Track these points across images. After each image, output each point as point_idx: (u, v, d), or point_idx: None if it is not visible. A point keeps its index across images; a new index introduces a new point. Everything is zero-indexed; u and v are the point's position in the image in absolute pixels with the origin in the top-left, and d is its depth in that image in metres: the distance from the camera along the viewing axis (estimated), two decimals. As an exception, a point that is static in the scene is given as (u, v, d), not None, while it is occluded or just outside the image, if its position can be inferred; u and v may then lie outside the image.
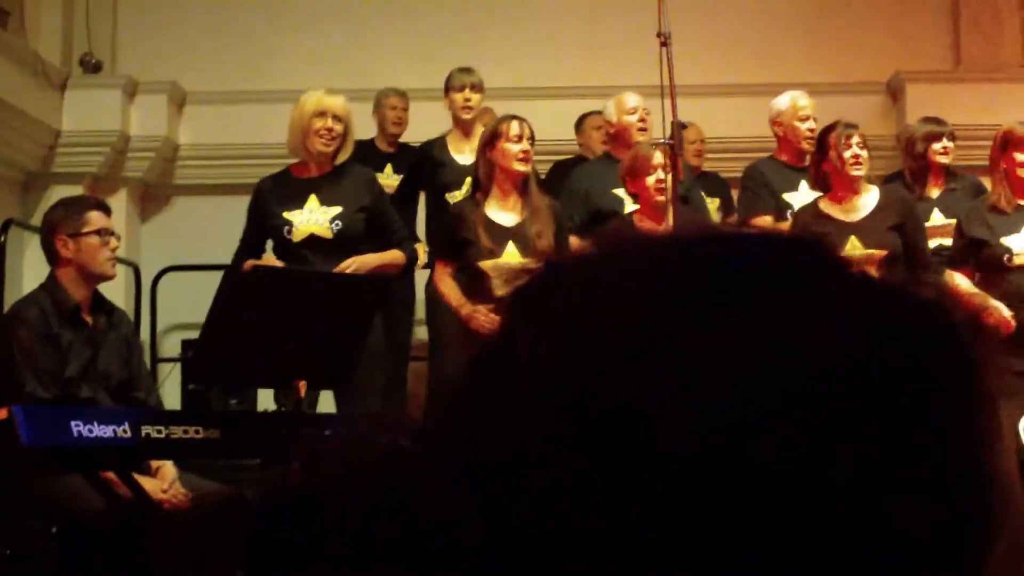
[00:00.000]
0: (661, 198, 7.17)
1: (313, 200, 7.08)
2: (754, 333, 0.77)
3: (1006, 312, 6.90)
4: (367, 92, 8.99)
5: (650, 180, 7.24)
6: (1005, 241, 7.10)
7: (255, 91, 10.12)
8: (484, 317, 6.82)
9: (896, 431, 0.77)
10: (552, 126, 9.10)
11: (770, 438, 0.75)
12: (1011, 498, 0.81)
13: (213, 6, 10.56)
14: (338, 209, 7.08)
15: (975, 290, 7.01)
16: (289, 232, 7.03)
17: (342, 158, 7.25)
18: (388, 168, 8.53)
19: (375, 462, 0.84)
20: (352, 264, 6.94)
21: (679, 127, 7.01)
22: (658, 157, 7.19)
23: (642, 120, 8.07)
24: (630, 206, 7.65)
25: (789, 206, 7.81)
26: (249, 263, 6.89)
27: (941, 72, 10.49)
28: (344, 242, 7.05)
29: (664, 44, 6.84)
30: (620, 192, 7.75)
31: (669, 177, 7.06)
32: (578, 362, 0.79)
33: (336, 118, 7.10)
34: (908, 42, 10.56)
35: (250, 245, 7.17)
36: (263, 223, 7.13)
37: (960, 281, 7.12)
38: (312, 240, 7.03)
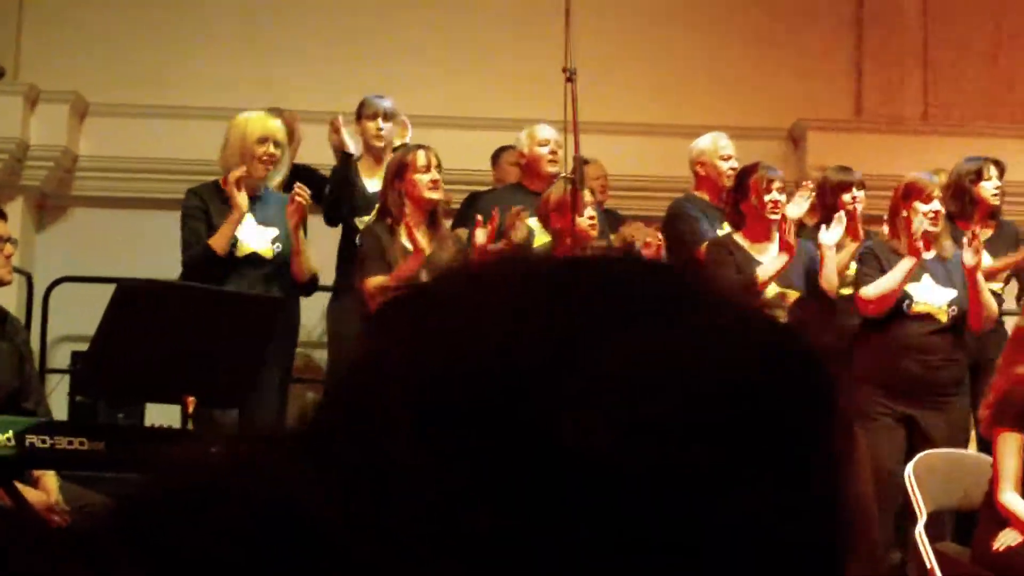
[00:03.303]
0: (595, 233, 7.23)
1: (249, 218, 7.10)
2: (625, 353, 0.79)
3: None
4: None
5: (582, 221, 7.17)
6: (906, 288, 7.19)
7: (157, 105, 10.04)
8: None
9: (749, 446, 0.79)
10: (458, 156, 9.10)
11: (638, 443, 0.76)
12: (861, 519, 0.83)
13: (119, 19, 10.45)
14: (275, 231, 7.16)
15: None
16: (232, 246, 7.03)
17: (279, 180, 7.30)
18: None
19: (228, 466, 0.84)
20: (306, 196, 7.05)
21: (581, 162, 7.04)
22: (588, 196, 7.27)
23: (553, 152, 8.06)
24: (540, 235, 7.66)
25: None
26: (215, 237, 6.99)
27: (842, 121, 10.62)
28: (280, 264, 7.14)
29: (569, 80, 6.86)
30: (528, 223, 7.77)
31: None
32: (452, 367, 0.79)
33: (276, 143, 7.14)
34: (811, 90, 10.67)
35: (201, 245, 7.15)
36: (211, 224, 7.14)
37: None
38: (253, 258, 7.08)
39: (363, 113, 8.29)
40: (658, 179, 9.08)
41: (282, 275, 7.18)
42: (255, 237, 7.14)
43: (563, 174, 7.31)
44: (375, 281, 6.96)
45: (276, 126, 7.22)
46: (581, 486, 0.76)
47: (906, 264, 7.06)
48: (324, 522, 0.77)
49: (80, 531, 0.84)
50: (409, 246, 7.00)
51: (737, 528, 0.78)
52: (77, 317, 8.82)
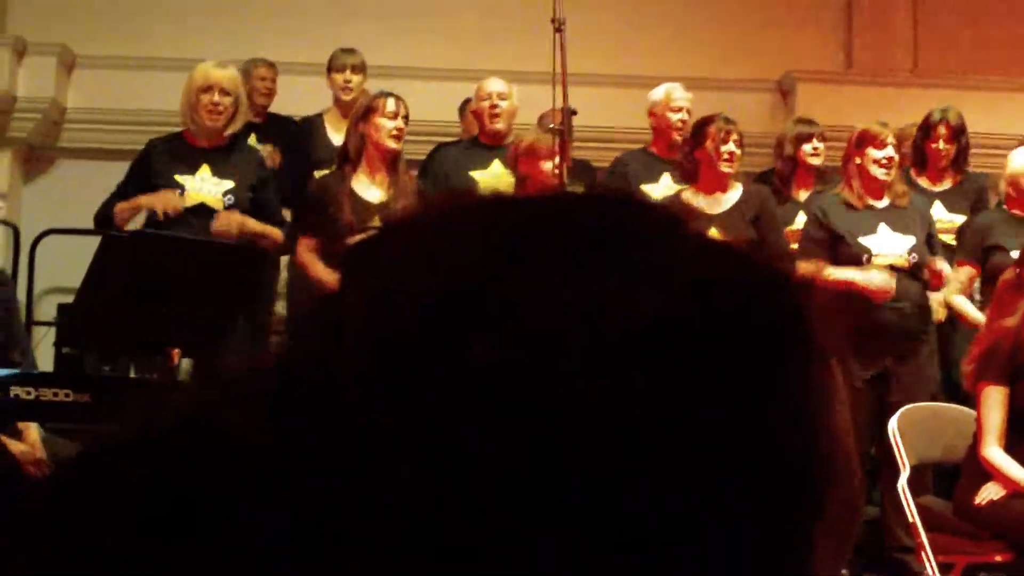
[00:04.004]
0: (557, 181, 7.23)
1: (206, 169, 7.15)
2: (584, 286, 0.77)
3: (882, 279, 6.98)
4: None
5: (547, 165, 7.23)
6: (863, 241, 7.16)
7: (145, 57, 10.02)
8: None
9: (721, 380, 0.76)
10: (441, 109, 9.11)
11: (596, 387, 0.74)
12: (842, 457, 0.81)
13: (107, -30, 10.42)
14: (230, 184, 7.16)
15: (848, 271, 7.04)
16: (180, 195, 7.03)
17: (233, 128, 7.27)
18: (252, 137, 8.47)
19: (175, 416, 0.83)
20: (236, 220, 6.99)
21: (569, 114, 7.03)
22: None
23: (493, 107, 8.08)
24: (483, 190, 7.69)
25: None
26: (122, 205, 6.98)
27: (832, 73, 10.60)
28: None
29: (558, 30, 6.85)
30: (476, 174, 7.83)
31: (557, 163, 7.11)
32: (404, 312, 0.78)
33: (223, 91, 7.14)
34: (800, 42, 10.63)
35: (124, 198, 7.19)
36: (147, 180, 7.16)
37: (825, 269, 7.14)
38: (202, 208, 7.10)
39: (332, 66, 8.44)
40: (642, 131, 9.02)
41: None
42: (207, 187, 7.16)
43: (551, 124, 7.30)
44: (303, 249, 7.12)
45: (220, 75, 7.22)
46: (497, 416, 0.75)
47: None
48: (259, 463, 0.77)
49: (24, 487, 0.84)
50: (361, 194, 7.05)
51: (669, 473, 0.75)
52: (64, 269, 8.82)
